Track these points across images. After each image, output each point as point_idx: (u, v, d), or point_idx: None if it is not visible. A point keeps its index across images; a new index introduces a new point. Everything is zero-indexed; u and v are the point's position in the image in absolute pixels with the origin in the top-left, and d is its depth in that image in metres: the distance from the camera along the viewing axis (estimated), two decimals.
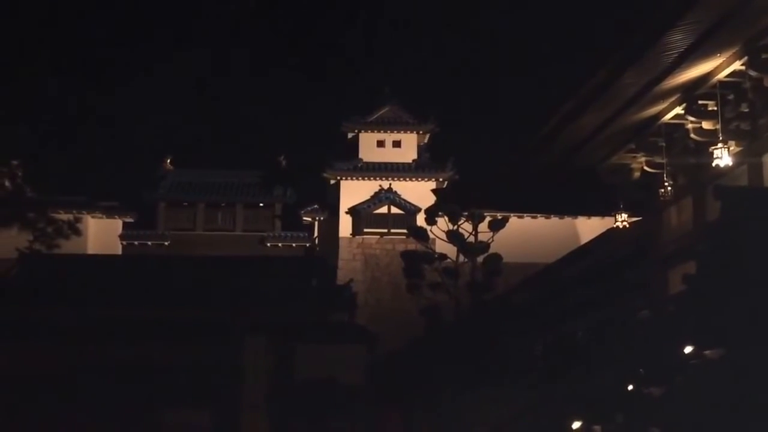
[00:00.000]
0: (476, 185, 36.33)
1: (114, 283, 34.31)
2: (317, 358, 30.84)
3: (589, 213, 42.61)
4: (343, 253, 49.33)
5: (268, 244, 51.06)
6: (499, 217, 35.60)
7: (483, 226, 34.53)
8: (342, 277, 44.55)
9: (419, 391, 28.93)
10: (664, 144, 22.64)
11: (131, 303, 32.11)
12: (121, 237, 50.82)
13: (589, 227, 44.10)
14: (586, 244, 32.77)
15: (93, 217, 49.47)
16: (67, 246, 37.12)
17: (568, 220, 48.15)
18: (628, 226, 24.79)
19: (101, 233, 49.79)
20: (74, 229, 36.79)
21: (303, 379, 30.57)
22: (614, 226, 25.21)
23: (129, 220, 51.20)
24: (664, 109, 21.77)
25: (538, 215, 47.39)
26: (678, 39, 17.94)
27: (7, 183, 35.40)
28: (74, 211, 44.49)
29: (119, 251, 50.08)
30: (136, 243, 50.74)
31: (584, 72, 19.43)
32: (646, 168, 23.67)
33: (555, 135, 22.65)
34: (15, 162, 35.73)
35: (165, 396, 29.70)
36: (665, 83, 19.90)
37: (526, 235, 46.38)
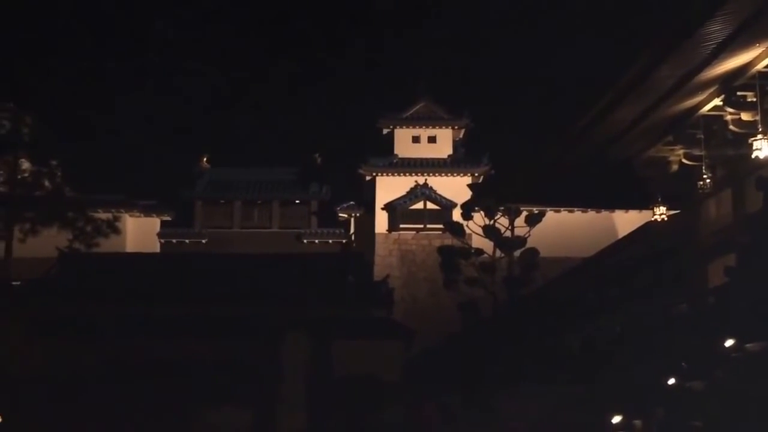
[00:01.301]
0: (512, 180, 36.12)
1: (153, 282, 34.55)
2: (355, 355, 30.86)
3: (627, 206, 42.29)
4: (380, 249, 49.39)
5: (305, 241, 51.25)
6: (536, 212, 35.43)
7: (519, 221, 34.38)
8: (378, 273, 44.62)
9: (457, 387, 28.85)
10: (702, 136, 22.41)
11: (170, 301, 32.32)
12: (159, 235, 51.25)
13: (626, 221, 43.79)
14: (623, 237, 32.55)
15: (131, 215, 49.95)
16: (106, 244, 37.80)
17: (605, 213, 47.81)
18: (666, 219, 24.57)
19: (139, 232, 50.25)
20: (113, 228, 37.35)
21: (341, 376, 30.61)
22: (652, 219, 25.01)
23: (167, 218, 51.62)
24: (702, 100, 21.53)
25: (575, 209, 47.12)
26: (716, 29, 17.72)
27: (47, 183, 35.96)
28: (113, 210, 45.03)
29: (157, 249, 50.51)
30: (174, 241, 51.16)
31: (622, 63, 19.24)
32: (684, 160, 23.44)
33: (592, 128, 22.48)
34: (54, 162, 36.30)
35: (205, 393, 29.86)
36: (703, 74, 19.67)
37: (563, 229, 46.14)
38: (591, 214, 48.08)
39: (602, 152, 24.05)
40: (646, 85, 19.84)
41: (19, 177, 35.65)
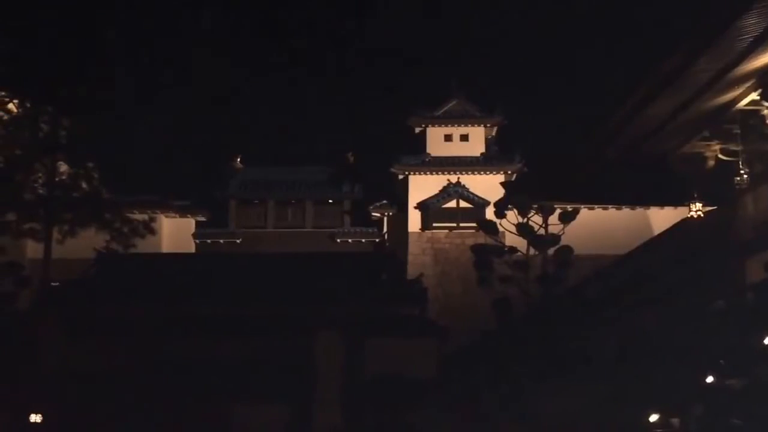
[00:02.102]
0: (545, 177, 36.07)
1: (188, 281, 34.80)
2: (389, 353, 30.89)
3: (662, 203, 42.04)
4: (413, 247, 49.40)
5: (338, 240, 51.37)
6: (570, 209, 35.25)
7: (553, 219, 34.24)
8: (412, 271, 44.60)
9: (492, 385, 28.81)
10: (739, 131, 22.27)
11: (205, 300, 32.54)
12: (194, 235, 51.61)
13: (662, 217, 43.45)
14: (659, 234, 32.33)
15: (167, 216, 50.33)
16: (143, 245, 38.16)
17: (640, 210, 47.47)
18: (702, 215, 24.40)
19: (175, 232, 50.62)
20: (149, 229, 37.70)
21: (375, 374, 30.65)
22: (688, 216, 24.85)
23: (201, 218, 51.96)
24: (738, 95, 21.39)
25: (609, 206, 46.83)
26: (753, 23, 17.60)
27: (84, 185, 36.36)
28: (149, 211, 45.42)
29: (192, 249, 50.87)
30: (208, 241, 51.50)
31: (657, 58, 19.16)
32: (720, 156, 23.30)
33: (626, 124, 22.41)
34: (91, 164, 36.69)
35: (240, 391, 30.04)
36: (740, 68, 19.55)
37: (598, 226, 45.86)
38: (626, 211, 47.76)
39: (637, 149, 23.97)
40: (681, 80, 19.76)
41: (57, 179, 36.06)
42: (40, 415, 28.80)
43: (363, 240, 51.40)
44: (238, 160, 54.97)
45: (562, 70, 72.79)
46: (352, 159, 54.68)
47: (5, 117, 35.29)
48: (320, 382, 30.64)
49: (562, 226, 33.83)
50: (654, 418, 20.17)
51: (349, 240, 51.53)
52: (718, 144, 23.02)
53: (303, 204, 52.84)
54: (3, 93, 34.67)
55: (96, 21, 34.23)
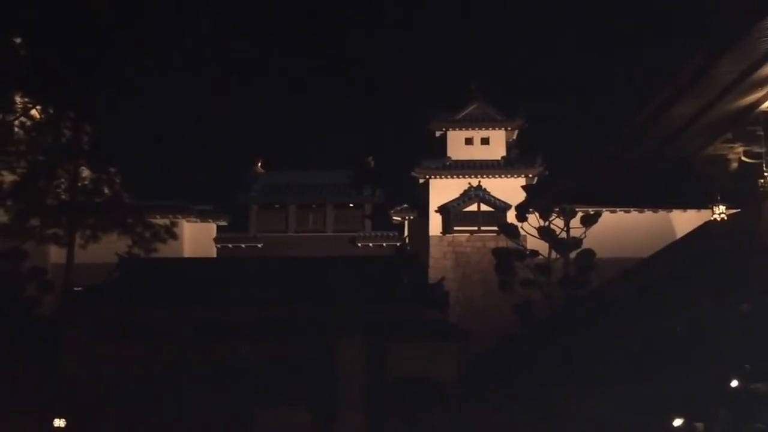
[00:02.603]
0: (567, 180, 35.94)
1: (210, 286, 34.89)
2: (411, 356, 30.84)
3: (685, 206, 41.79)
4: (434, 251, 49.33)
5: (359, 244, 51.38)
6: (592, 212, 35.18)
7: (575, 222, 34.16)
8: (433, 275, 44.53)
9: (514, 388, 28.71)
10: (762, 133, 22.10)
11: (227, 305, 32.61)
12: (215, 240, 51.74)
13: (684, 220, 43.17)
14: (682, 237, 32.08)
15: (188, 221, 50.48)
16: (164, 250, 38.31)
17: (662, 213, 47.20)
18: (725, 218, 24.22)
19: (196, 237, 50.79)
20: (171, 233, 37.86)
21: (397, 377, 30.61)
22: (711, 218, 24.67)
23: (222, 223, 52.08)
24: (762, 96, 21.24)
25: (632, 209, 46.59)
26: None
27: (106, 190, 36.56)
28: (170, 216, 45.52)
29: (214, 254, 51.00)
30: (230, 246, 51.62)
31: (679, 59, 19.04)
32: (743, 158, 23.14)
33: (648, 126, 22.29)
34: (113, 169, 36.89)
35: (262, 395, 30.08)
36: (763, 70, 19.40)
37: (620, 229, 45.63)
38: (648, 214, 47.50)
39: (659, 151, 23.82)
40: (704, 81, 19.63)
41: (79, 185, 36.26)
42: (63, 420, 28.95)
43: (384, 244, 51.38)
44: (259, 164, 55.10)
45: (583, 72, 72.49)
46: (372, 163, 54.68)
47: (28, 123, 35.53)
48: (342, 386, 30.64)
49: (583, 229, 33.74)
50: (678, 422, 20.03)
51: (370, 244, 51.53)
52: (741, 146, 22.86)
53: (324, 208, 52.89)
54: (26, 99, 34.92)
55: (117, 25, 34.41)
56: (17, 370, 28.00)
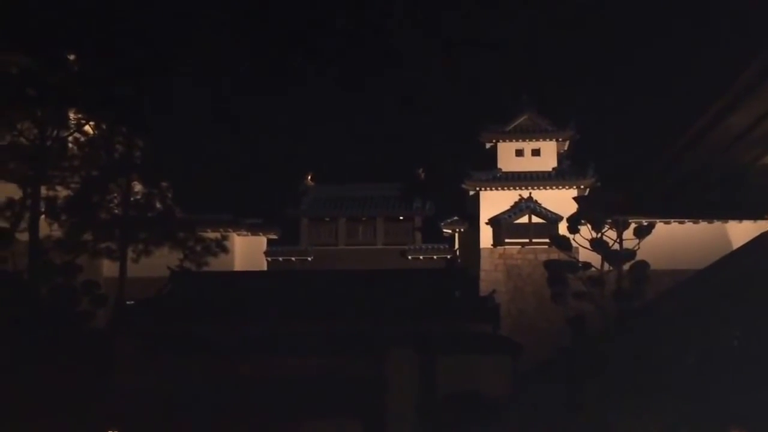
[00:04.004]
0: (620, 191, 35.45)
1: (261, 299, 35.04)
2: (462, 370, 30.66)
3: (741, 217, 40.94)
4: (485, 263, 49.01)
5: (409, 257, 51.26)
6: (645, 224, 34.65)
7: (628, 233, 33.66)
8: (484, 288, 44.26)
9: (568, 403, 28.32)
10: None
11: (278, 317, 32.71)
12: (266, 253, 51.97)
13: (741, 231, 42.33)
14: (738, 249, 31.42)
15: (239, 234, 50.79)
16: (215, 263, 38.53)
17: (717, 224, 46.41)
18: None
19: (247, 250, 51.06)
20: (222, 247, 38.06)
21: (448, 390, 30.43)
22: None
23: (273, 236, 52.30)
24: None
25: (686, 220, 45.85)
26: None
27: (158, 204, 36.90)
28: (221, 230, 45.89)
29: (264, 267, 51.22)
30: (280, 259, 51.81)
31: (734, 67, 18.63)
32: None
33: (703, 135, 21.82)
34: (165, 184, 37.23)
35: (312, 407, 30.09)
36: None
37: (674, 241, 44.95)
38: (703, 225, 46.74)
39: (715, 160, 23.32)
40: (761, 89, 19.15)
41: (132, 199, 36.63)
42: None
43: (434, 257, 51.20)
44: (309, 177, 55.29)
45: (637, 80, 71.76)
46: (422, 175, 54.58)
47: (82, 139, 36.01)
48: (393, 399, 30.54)
49: (637, 240, 33.22)
50: None
51: (421, 257, 51.39)
52: None
53: (374, 221, 52.88)
54: (79, 115, 35.40)
55: (169, 41, 34.79)
56: (71, 383, 28.26)
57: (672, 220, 45.10)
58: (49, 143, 34.18)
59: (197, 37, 34.29)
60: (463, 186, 50.48)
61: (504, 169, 50.45)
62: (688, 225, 46.59)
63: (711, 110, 20.52)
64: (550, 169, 50.33)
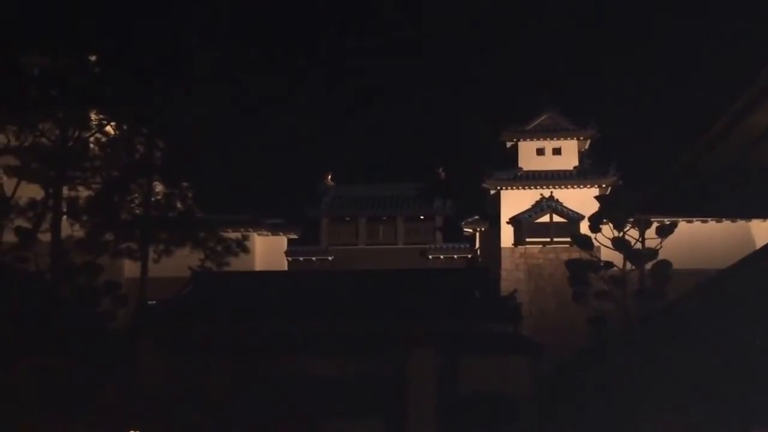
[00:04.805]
0: (641, 190, 35.24)
1: (282, 299, 35.07)
2: (483, 370, 30.54)
3: (765, 215, 40.58)
4: (506, 263, 48.82)
5: (430, 257, 51.14)
6: (667, 223, 34.47)
7: (650, 233, 33.48)
8: (505, 287, 44.11)
9: (589, 403, 28.16)
10: None
11: (299, 317, 32.71)
12: (287, 253, 51.99)
13: (765, 230, 42.02)
14: (762, 247, 31.15)
15: (259, 234, 50.83)
16: (236, 263, 38.58)
17: (741, 223, 45.96)
18: None
19: (267, 250, 51.08)
20: (243, 247, 38.12)
21: (469, 391, 30.33)
22: None
23: (293, 236, 52.31)
24: None
25: (709, 219, 45.45)
26: None
27: (179, 204, 37.00)
28: (242, 230, 45.93)
29: (285, 267, 51.24)
30: (300, 259, 51.81)
31: (761, 59, 18.38)
32: None
33: (727, 132, 21.58)
34: (186, 184, 37.33)
35: (334, 407, 30.08)
36: None
37: (697, 240, 44.57)
38: (726, 223, 46.30)
39: (738, 158, 23.07)
40: None
41: (152, 199, 36.75)
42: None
43: (455, 256, 51.06)
44: (329, 177, 55.29)
45: (659, 78, 71.35)
46: (443, 174, 54.45)
47: (103, 139, 36.16)
48: (414, 400, 30.46)
49: (659, 239, 33.04)
50: None
51: (441, 256, 51.27)
52: None
53: (394, 221, 52.80)
54: (100, 116, 35.55)
55: (189, 41, 34.88)
56: (93, 383, 28.38)
57: (694, 219, 44.69)
58: (70, 144, 34.34)
59: (216, 36, 34.32)
60: (484, 185, 50.31)
61: (525, 168, 50.24)
62: (711, 224, 46.20)
63: (733, 107, 20.28)
64: (572, 168, 50.08)
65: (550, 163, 50.36)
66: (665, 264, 32.01)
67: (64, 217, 34.61)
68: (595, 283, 33.14)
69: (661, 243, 32.77)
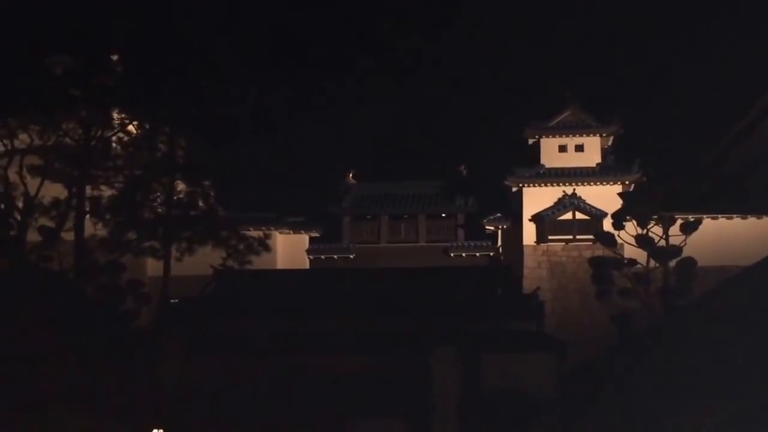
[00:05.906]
0: (666, 187, 35.07)
1: (304, 297, 35.08)
2: (506, 368, 30.42)
3: None
4: (528, 261, 48.65)
5: (452, 255, 51.03)
6: (692, 219, 34.22)
7: (674, 230, 33.27)
8: (527, 285, 43.95)
9: (614, 402, 27.96)
10: None
11: (321, 315, 32.71)
12: (308, 251, 52.02)
13: None
14: None
15: (281, 233, 50.88)
16: (258, 262, 38.69)
17: (766, 219, 45.54)
18: None
19: (289, 248, 51.12)
20: (264, 246, 38.23)
21: (492, 389, 30.21)
22: None
23: (315, 234, 52.34)
24: None
25: (734, 215, 45.04)
26: None
27: (201, 203, 37.13)
28: (263, 228, 46.02)
29: (307, 265, 51.27)
30: (322, 257, 51.82)
31: None
32: None
33: (750, 130, 21.42)
34: (207, 182, 37.45)
35: (356, 405, 30.03)
36: None
37: (722, 237, 44.13)
38: (751, 220, 45.85)
39: (762, 156, 22.90)
40: None
41: (175, 198, 36.88)
42: (161, 430, 29.34)
43: (477, 254, 50.89)
44: (351, 175, 55.26)
45: (683, 74, 70.74)
46: (465, 172, 54.30)
47: (125, 138, 36.33)
48: (437, 397, 30.37)
49: (683, 237, 32.81)
50: None
51: (463, 254, 51.12)
52: None
53: (416, 218, 52.71)
54: (123, 115, 35.72)
55: (210, 41, 34.99)
56: (116, 381, 28.49)
57: (719, 216, 44.32)
58: (93, 143, 34.56)
59: (237, 36, 34.41)
60: (506, 182, 50.14)
61: (547, 165, 50.03)
62: (736, 220, 45.78)
63: (758, 105, 20.12)
64: (594, 165, 49.81)
65: (572, 160, 50.11)
66: (690, 261, 31.78)
67: (88, 216, 34.83)
68: (618, 281, 32.97)
69: (685, 240, 32.54)
